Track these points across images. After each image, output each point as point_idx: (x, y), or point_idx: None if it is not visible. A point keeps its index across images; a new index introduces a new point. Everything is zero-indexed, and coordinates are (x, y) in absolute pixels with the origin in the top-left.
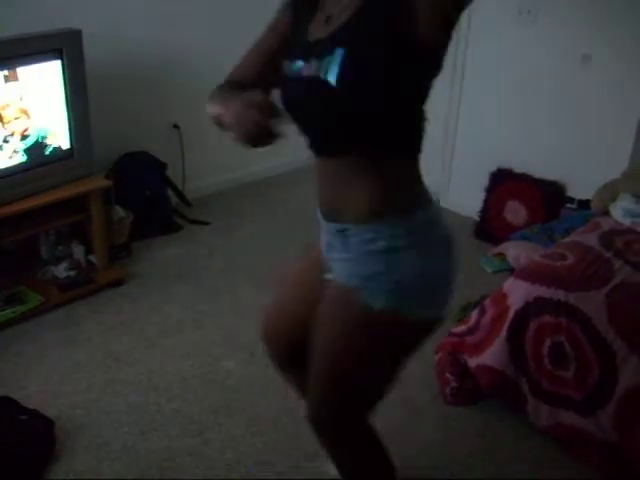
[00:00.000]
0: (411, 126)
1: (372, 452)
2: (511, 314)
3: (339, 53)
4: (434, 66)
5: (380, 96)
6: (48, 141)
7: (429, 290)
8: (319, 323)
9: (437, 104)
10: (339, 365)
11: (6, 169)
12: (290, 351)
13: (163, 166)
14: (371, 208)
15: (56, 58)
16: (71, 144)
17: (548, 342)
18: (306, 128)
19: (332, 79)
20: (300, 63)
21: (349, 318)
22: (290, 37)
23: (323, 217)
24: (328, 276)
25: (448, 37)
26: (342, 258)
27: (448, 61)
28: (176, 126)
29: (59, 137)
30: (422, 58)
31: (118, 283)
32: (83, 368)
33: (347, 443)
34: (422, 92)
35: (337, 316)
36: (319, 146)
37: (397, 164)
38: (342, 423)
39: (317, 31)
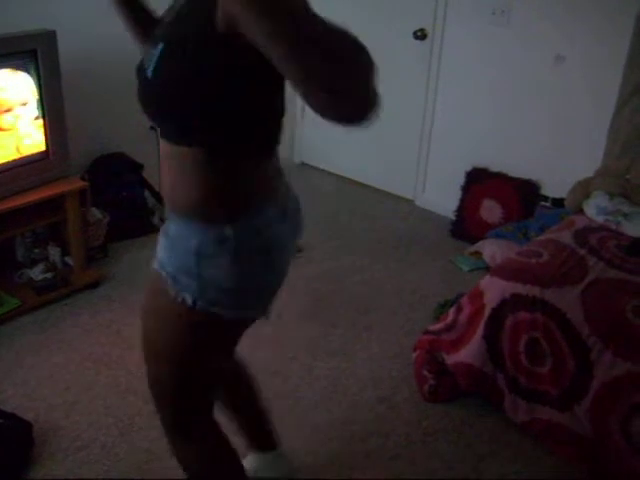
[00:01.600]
0: (251, 124)
1: (219, 452)
2: (488, 311)
3: (159, 48)
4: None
5: (194, 91)
6: (25, 142)
7: (236, 294)
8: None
9: (412, 104)
10: (158, 360)
11: None
12: None
13: (139, 167)
14: (192, 205)
15: (30, 59)
16: (47, 145)
17: (524, 338)
18: (146, 111)
19: (149, 73)
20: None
21: (161, 306)
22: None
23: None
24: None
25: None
26: (162, 246)
27: (423, 61)
28: (153, 128)
29: (34, 138)
30: (230, 58)
31: (95, 285)
32: (61, 371)
33: (191, 445)
34: (256, 90)
35: (151, 304)
36: (160, 130)
37: (235, 164)
38: (180, 424)
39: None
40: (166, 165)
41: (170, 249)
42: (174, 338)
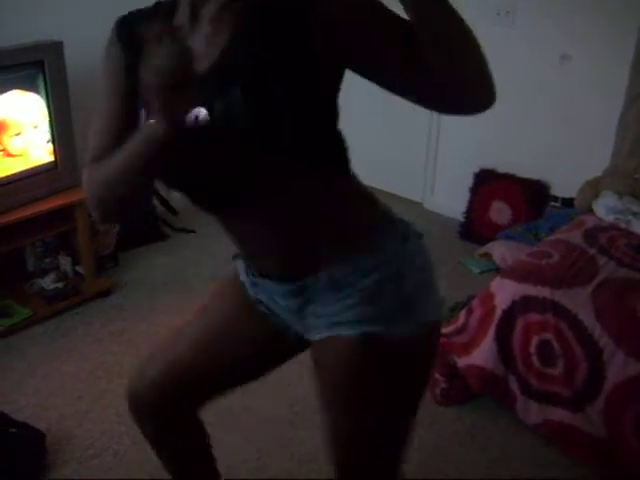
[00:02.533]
0: (336, 144)
1: None
2: (498, 313)
3: (235, 92)
4: (333, 84)
5: (291, 126)
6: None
7: (428, 296)
8: (333, 399)
9: (419, 107)
10: (379, 423)
11: None
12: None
13: None
14: (344, 240)
15: (38, 70)
16: (55, 155)
17: (536, 340)
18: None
19: (241, 124)
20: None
21: (378, 365)
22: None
23: (276, 280)
24: (313, 336)
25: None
26: (331, 312)
27: None
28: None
29: (43, 148)
30: (319, 78)
31: (106, 293)
32: (72, 380)
33: None
34: (332, 109)
35: (364, 374)
36: (235, 200)
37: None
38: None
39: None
40: (269, 231)
41: (358, 302)
42: (403, 382)
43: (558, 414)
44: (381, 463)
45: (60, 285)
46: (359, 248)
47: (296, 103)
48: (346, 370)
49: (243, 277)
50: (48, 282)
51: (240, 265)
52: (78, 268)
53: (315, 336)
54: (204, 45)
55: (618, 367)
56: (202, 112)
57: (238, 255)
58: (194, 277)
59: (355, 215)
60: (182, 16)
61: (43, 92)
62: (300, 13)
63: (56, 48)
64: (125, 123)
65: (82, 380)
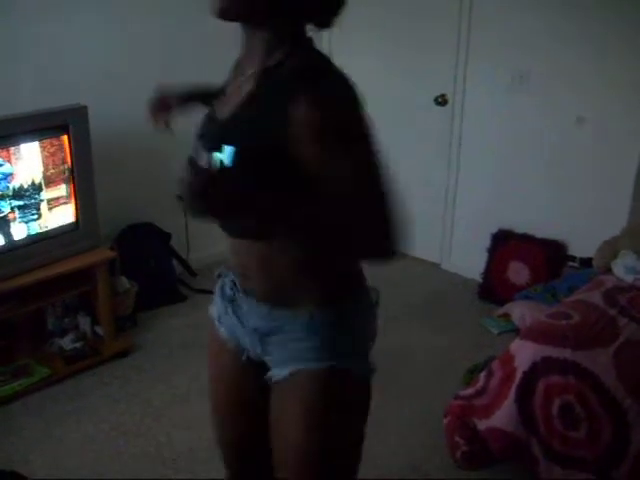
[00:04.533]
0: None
1: None
2: (519, 375)
3: (229, 150)
4: None
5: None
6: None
7: (364, 346)
8: (284, 422)
9: (436, 169)
10: (328, 447)
11: (13, 242)
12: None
13: (167, 236)
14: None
15: (63, 133)
16: (77, 216)
17: (557, 402)
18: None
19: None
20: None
21: (327, 397)
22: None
23: (261, 300)
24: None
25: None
26: (307, 347)
27: (445, 126)
28: (180, 197)
29: (65, 210)
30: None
31: (124, 354)
32: (90, 441)
33: None
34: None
35: (315, 403)
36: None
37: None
38: None
39: (218, 113)
40: (268, 264)
41: (322, 340)
42: (349, 412)
43: (582, 478)
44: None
45: (79, 345)
46: (341, 297)
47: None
48: (311, 396)
49: (217, 304)
50: (67, 342)
51: (223, 283)
52: (97, 328)
53: (279, 365)
54: (228, 103)
55: None
56: (215, 157)
57: (222, 272)
58: None
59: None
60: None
61: (68, 155)
62: (285, 102)
63: (81, 112)
64: None
65: (99, 441)
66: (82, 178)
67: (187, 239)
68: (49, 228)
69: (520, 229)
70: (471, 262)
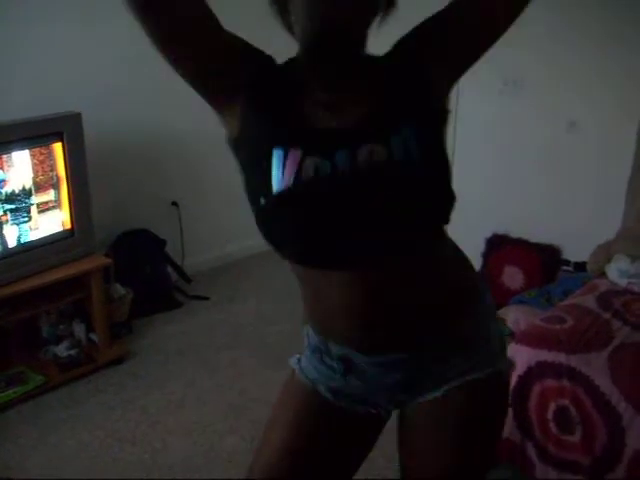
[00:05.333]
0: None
1: None
2: (514, 380)
3: (409, 131)
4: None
5: (448, 169)
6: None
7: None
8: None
9: None
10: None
11: (8, 249)
12: None
13: (162, 243)
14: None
15: (57, 140)
16: (72, 223)
17: (552, 406)
18: (358, 228)
19: (417, 157)
20: (341, 153)
21: (493, 401)
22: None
23: (381, 352)
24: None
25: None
26: (464, 370)
27: None
28: (175, 203)
29: (60, 217)
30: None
31: (119, 361)
32: (85, 448)
33: None
34: None
35: (482, 410)
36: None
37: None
38: None
39: (323, 120)
40: (386, 293)
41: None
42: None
43: None
44: None
45: (74, 352)
46: (461, 314)
47: (443, 150)
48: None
49: (312, 374)
50: (62, 349)
51: (319, 356)
52: (92, 335)
53: (418, 399)
54: (347, 98)
55: (638, 433)
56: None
57: (318, 346)
58: (207, 345)
59: (460, 279)
60: (309, 76)
61: (62, 162)
62: (413, 65)
63: (75, 119)
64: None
65: (94, 448)
66: (77, 185)
67: (182, 246)
68: (44, 235)
69: (514, 234)
70: None
